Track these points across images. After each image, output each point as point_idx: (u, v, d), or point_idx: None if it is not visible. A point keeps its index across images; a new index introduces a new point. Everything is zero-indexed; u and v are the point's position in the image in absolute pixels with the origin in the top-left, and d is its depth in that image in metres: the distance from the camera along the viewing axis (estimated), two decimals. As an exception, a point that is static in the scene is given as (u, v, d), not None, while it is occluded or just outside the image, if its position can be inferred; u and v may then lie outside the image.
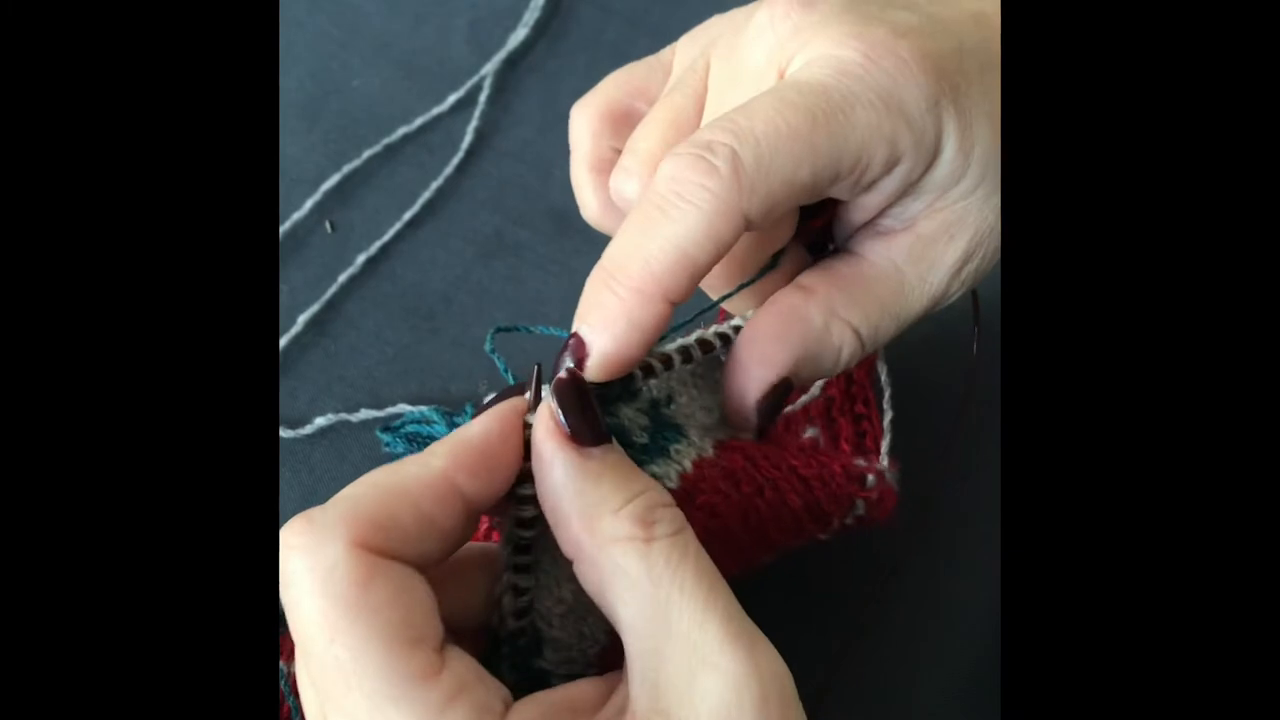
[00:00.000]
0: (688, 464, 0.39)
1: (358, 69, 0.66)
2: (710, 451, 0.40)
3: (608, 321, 0.36)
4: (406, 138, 0.63)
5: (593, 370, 0.36)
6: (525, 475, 0.35)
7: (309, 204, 0.60)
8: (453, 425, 0.54)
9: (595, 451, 0.34)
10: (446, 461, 0.34)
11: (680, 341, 0.41)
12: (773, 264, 0.43)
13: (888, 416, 0.51)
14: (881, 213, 0.41)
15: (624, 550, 0.33)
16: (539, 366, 0.37)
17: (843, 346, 0.41)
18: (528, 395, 0.36)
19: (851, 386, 0.53)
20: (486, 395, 0.55)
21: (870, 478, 0.44)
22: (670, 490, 0.37)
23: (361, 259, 0.59)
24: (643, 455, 0.38)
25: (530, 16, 0.66)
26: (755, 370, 0.40)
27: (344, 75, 0.65)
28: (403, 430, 0.55)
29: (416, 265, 0.60)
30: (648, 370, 0.38)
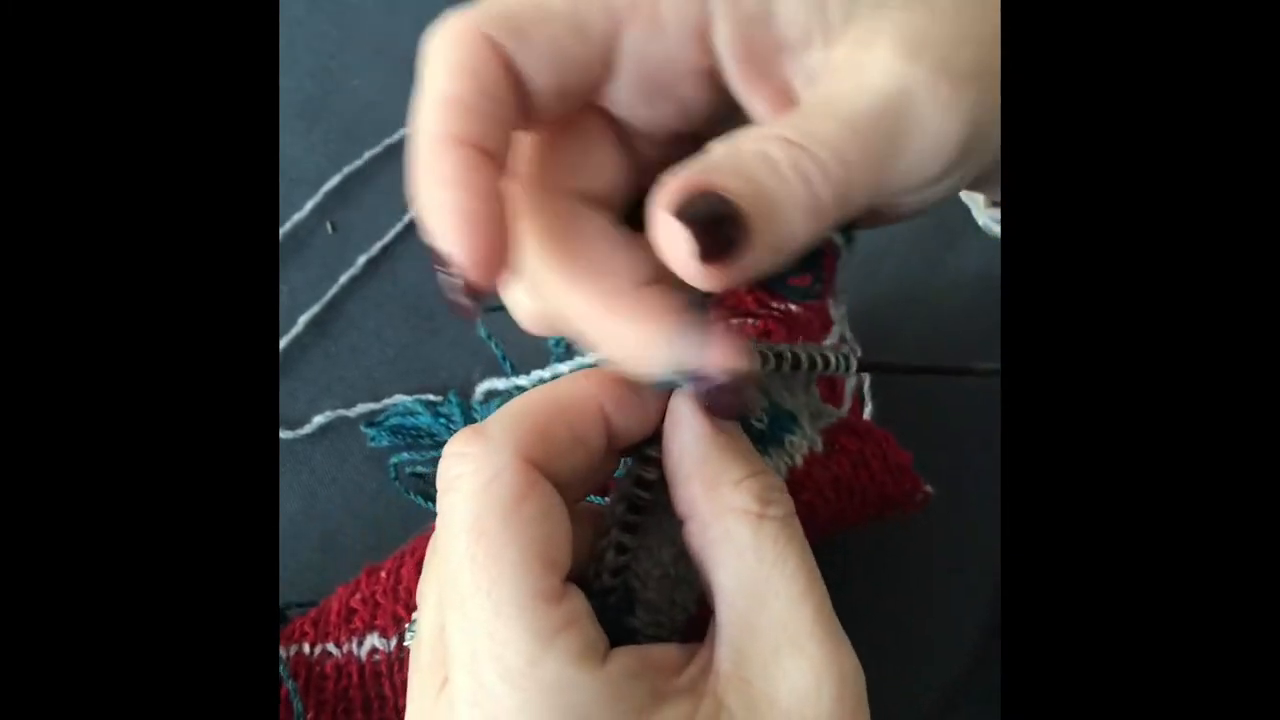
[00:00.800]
0: (799, 459, 0.40)
1: (358, 69, 0.66)
2: (820, 446, 0.41)
3: (434, 204, 0.32)
4: (407, 138, 0.63)
5: (472, 263, 0.31)
6: (656, 437, 0.36)
7: (309, 205, 0.61)
8: (437, 416, 0.55)
9: (727, 425, 0.35)
10: (598, 387, 0.35)
11: (806, 346, 0.40)
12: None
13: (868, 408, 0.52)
14: (791, 96, 0.35)
15: (737, 519, 0.34)
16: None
17: (767, 149, 0.32)
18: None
19: None
20: (479, 383, 0.56)
21: (919, 496, 0.45)
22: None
23: (362, 260, 0.59)
24: (758, 443, 0.39)
25: (530, 17, 0.66)
26: (653, 203, 0.31)
27: (344, 75, 0.65)
28: (387, 424, 0.55)
29: (417, 266, 0.60)
30: (764, 360, 0.37)
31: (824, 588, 0.34)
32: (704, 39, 0.34)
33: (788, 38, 0.34)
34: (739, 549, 0.34)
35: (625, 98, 0.35)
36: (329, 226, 0.61)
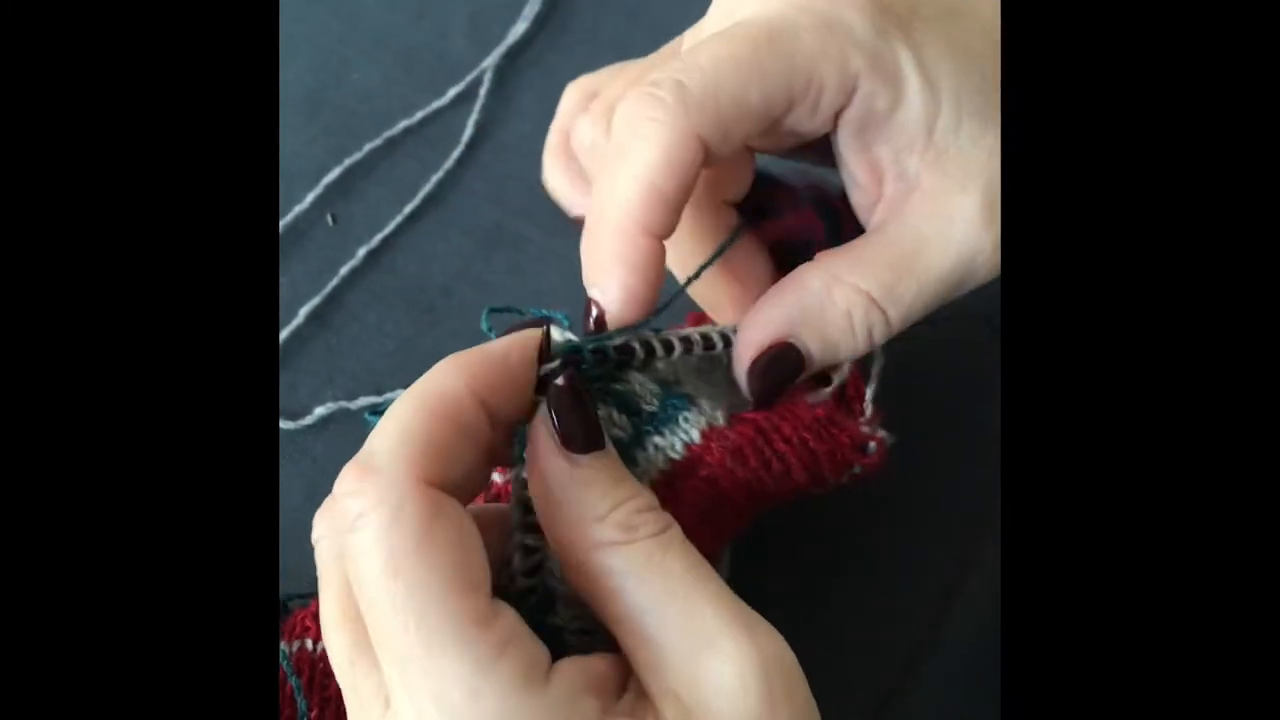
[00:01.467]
0: (695, 434, 0.40)
1: (358, 62, 0.66)
2: (721, 421, 0.41)
3: (606, 271, 0.38)
4: (407, 131, 0.63)
5: (614, 317, 0.38)
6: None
7: (310, 197, 0.61)
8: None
9: (585, 459, 0.35)
10: (469, 376, 0.35)
11: (682, 331, 0.41)
12: (733, 238, 0.44)
13: (872, 386, 0.51)
14: (882, 176, 0.41)
15: (608, 552, 0.34)
16: (549, 323, 0.38)
17: (852, 310, 0.40)
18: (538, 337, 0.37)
19: None
20: None
21: (872, 445, 0.44)
22: (674, 462, 0.38)
23: (362, 252, 0.59)
24: (649, 424, 0.39)
25: (530, 10, 0.66)
26: (748, 334, 0.41)
27: (344, 69, 0.66)
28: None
29: (417, 258, 0.60)
30: (649, 351, 0.39)
31: (716, 578, 0.34)
32: (834, 119, 0.40)
33: (897, 139, 0.40)
34: (619, 578, 0.33)
35: (763, 144, 0.42)
36: (329, 219, 0.61)
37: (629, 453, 0.39)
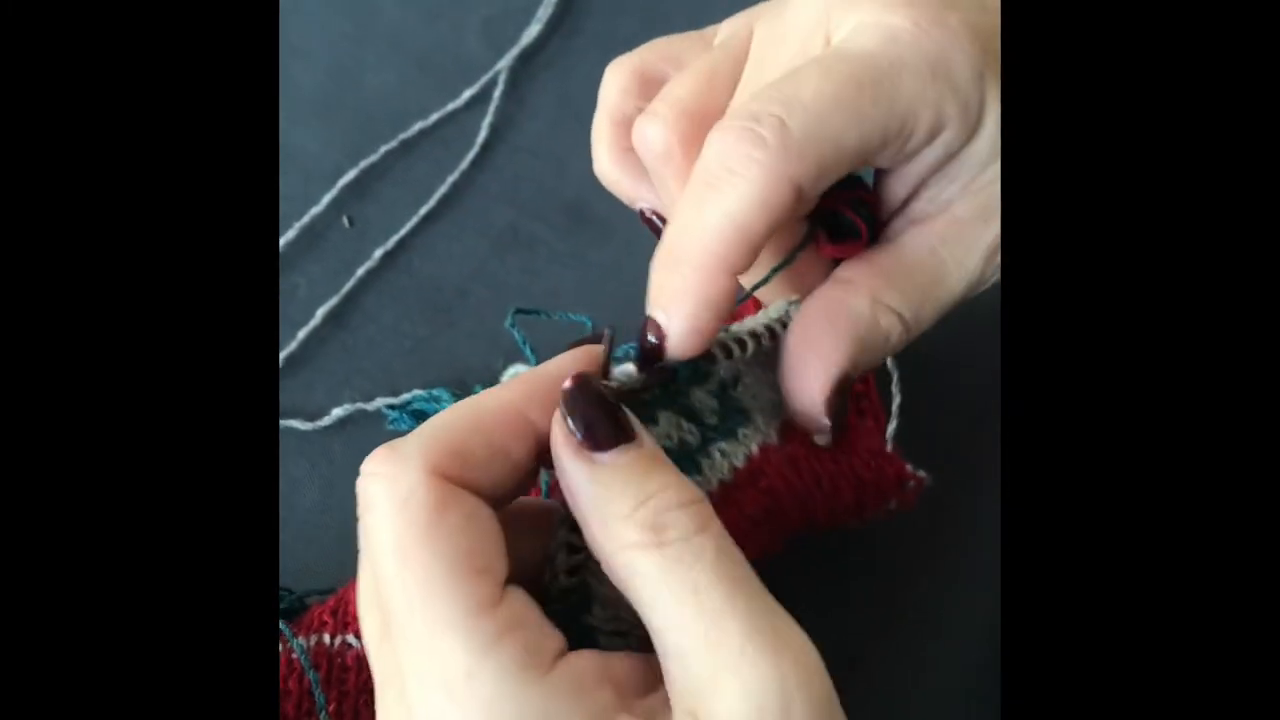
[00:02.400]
0: (754, 447, 0.40)
1: (373, 65, 0.66)
2: (775, 439, 0.41)
3: (678, 301, 0.37)
4: (422, 133, 0.64)
5: (674, 349, 0.38)
6: None
7: (326, 199, 0.61)
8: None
9: (605, 457, 0.34)
10: (519, 394, 0.35)
11: (749, 324, 0.41)
12: (803, 245, 0.43)
13: (892, 424, 0.51)
14: (917, 195, 0.41)
15: (635, 554, 0.33)
16: (610, 330, 0.38)
17: (890, 333, 0.41)
18: (600, 352, 0.38)
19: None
20: (504, 372, 0.56)
21: (911, 483, 0.45)
22: (737, 470, 0.39)
23: (379, 253, 0.60)
24: (714, 434, 0.39)
25: (544, 12, 0.66)
26: (816, 368, 0.40)
27: (359, 72, 0.66)
28: (410, 407, 0.55)
29: (433, 259, 0.60)
30: (726, 352, 0.40)
31: (752, 589, 0.33)
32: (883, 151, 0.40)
33: (952, 173, 0.41)
34: (647, 584, 0.33)
35: None
36: (346, 221, 0.61)
37: (694, 459, 0.39)
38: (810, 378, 0.40)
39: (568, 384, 0.35)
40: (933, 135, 0.39)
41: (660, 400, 0.39)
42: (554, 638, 0.33)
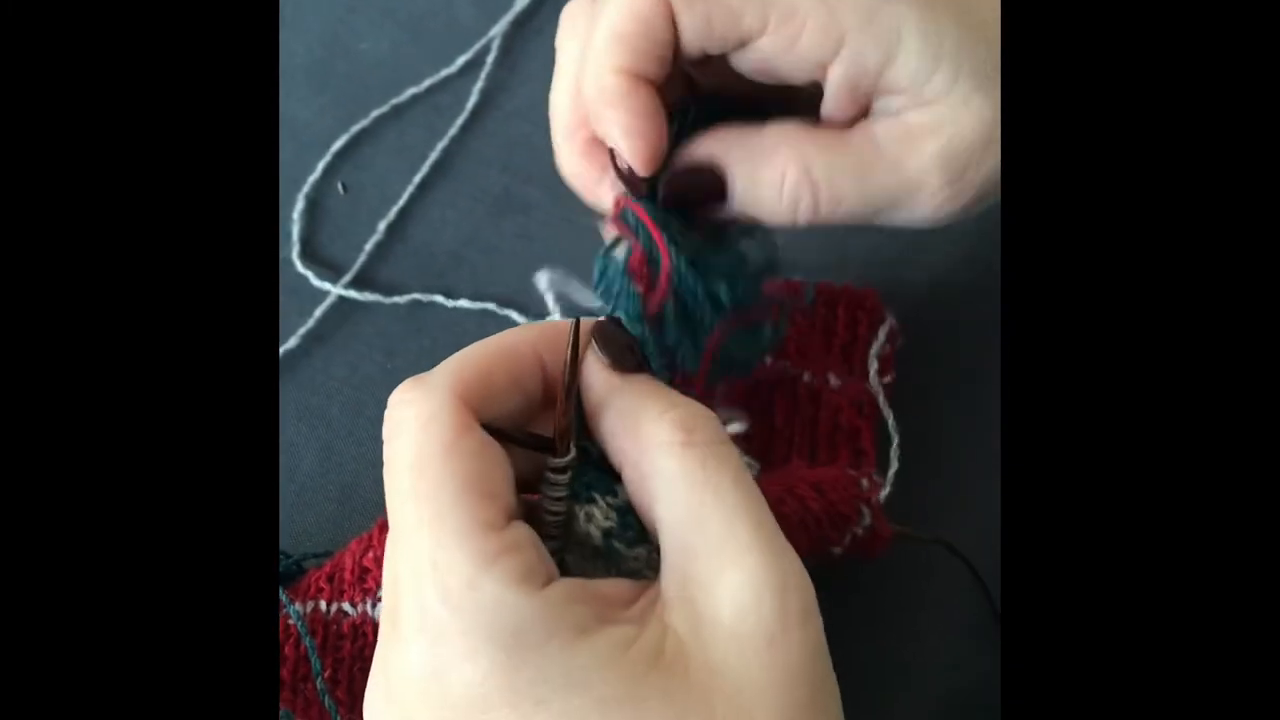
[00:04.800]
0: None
1: (366, 32, 0.66)
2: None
3: (609, 113, 0.41)
4: (415, 99, 0.64)
5: (640, 162, 0.41)
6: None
7: (320, 166, 0.61)
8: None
9: (637, 375, 0.37)
10: (535, 335, 0.37)
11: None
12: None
13: (892, 469, 0.52)
14: (865, 109, 0.43)
15: (663, 451, 0.35)
16: (577, 321, 0.38)
17: (787, 172, 0.42)
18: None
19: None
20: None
21: (864, 481, 0.46)
22: None
23: (382, 226, 0.60)
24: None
25: (536, -23, 0.66)
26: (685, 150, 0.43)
27: (352, 38, 0.66)
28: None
29: (427, 225, 0.61)
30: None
31: (763, 503, 0.35)
32: (822, 69, 0.41)
33: (886, 90, 0.42)
34: (669, 479, 0.35)
35: (724, 66, 0.42)
36: (340, 187, 0.62)
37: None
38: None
39: (597, 321, 0.38)
40: (832, 41, 0.40)
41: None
42: (549, 564, 0.34)
